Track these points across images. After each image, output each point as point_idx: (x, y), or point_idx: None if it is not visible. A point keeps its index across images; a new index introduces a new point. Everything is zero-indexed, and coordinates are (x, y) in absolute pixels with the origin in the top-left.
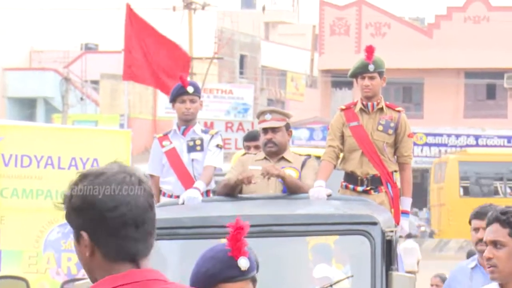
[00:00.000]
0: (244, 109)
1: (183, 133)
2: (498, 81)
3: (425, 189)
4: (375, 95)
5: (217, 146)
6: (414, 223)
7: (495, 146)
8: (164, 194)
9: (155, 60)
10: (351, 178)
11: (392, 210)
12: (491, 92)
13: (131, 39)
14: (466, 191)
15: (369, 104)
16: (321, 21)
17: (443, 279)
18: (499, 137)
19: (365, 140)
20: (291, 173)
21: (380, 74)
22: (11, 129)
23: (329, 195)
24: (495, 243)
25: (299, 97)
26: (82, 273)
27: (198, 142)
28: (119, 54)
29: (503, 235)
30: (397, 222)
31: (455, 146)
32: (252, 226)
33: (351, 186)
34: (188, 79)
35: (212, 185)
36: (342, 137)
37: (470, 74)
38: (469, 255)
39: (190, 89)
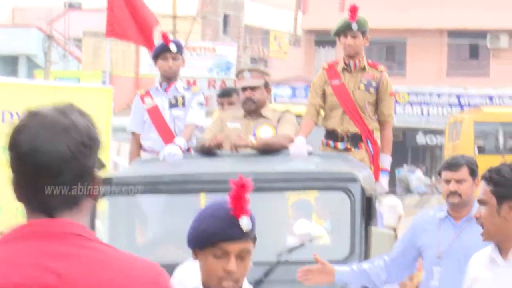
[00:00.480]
0: (227, 67)
1: (165, 90)
2: (481, 41)
3: (408, 147)
4: (358, 54)
5: (199, 103)
6: (423, 180)
7: (478, 105)
8: (144, 150)
9: (138, 16)
10: (332, 135)
11: (372, 167)
12: (473, 52)
13: (112, 3)
14: (481, 150)
15: (352, 63)
16: None
17: None
18: (481, 96)
19: (346, 99)
20: (267, 130)
21: (363, 33)
22: None
23: (309, 152)
24: (480, 202)
25: (282, 56)
26: None
27: (180, 99)
28: (102, 12)
29: (486, 193)
30: (377, 179)
31: (441, 105)
32: (225, 182)
33: (331, 143)
34: (171, 37)
35: (194, 142)
36: (324, 95)
37: (453, 34)
38: None
39: (172, 47)
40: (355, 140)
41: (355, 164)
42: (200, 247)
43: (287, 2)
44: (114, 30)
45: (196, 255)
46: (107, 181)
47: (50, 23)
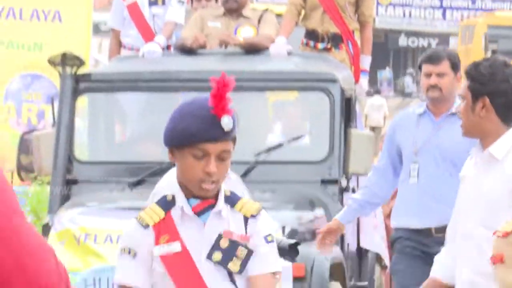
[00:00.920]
0: None
1: None
2: None
3: (390, 49)
4: None
5: (179, 1)
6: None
7: (460, 8)
8: (124, 47)
9: None
10: (312, 35)
11: (352, 68)
12: None
13: None
14: (494, 53)
15: None
16: None
17: None
18: None
19: None
20: (248, 30)
21: None
22: None
23: (289, 52)
24: (460, 96)
25: None
26: (43, 124)
27: None
28: None
29: (464, 88)
30: (357, 80)
31: (423, 7)
32: (205, 80)
33: (311, 43)
34: None
35: (173, 40)
36: None
37: None
38: None
39: None
40: (336, 40)
41: (335, 65)
42: (178, 146)
43: None
44: None
45: (172, 154)
46: (86, 77)
47: None
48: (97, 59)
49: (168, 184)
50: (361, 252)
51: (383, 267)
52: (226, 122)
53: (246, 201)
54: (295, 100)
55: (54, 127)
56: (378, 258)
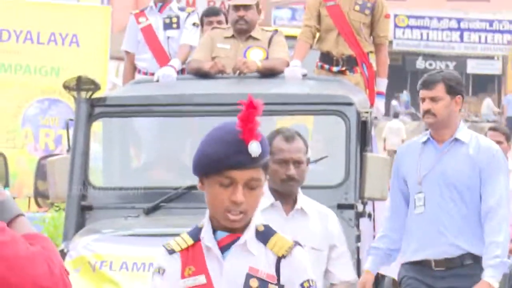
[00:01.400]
0: None
1: (160, 10)
2: None
3: (407, 71)
4: None
5: (194, 24)
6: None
7: (478, 30)
8: (139, 71)
9: None
10: (326, 58)
11: (367, 91)
12: None
13: None
14: None
15: None
16: None
17: None
18: (481, 20)
19: (341, 20)
20: (258, 53)
21: None
22: None
23: (304, 75)
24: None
25: None
26: (60, 149)
27: (174, 19)
28: None
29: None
30: (372, 103)
31: (440, 29)
32: (226, 104)
33: (326, 66)
34: None
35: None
36: (319, 16)
37: None
38: None
39: None
40: (350, 63)
41: (350, 88)
42: (206, 174)
43: None
44: None
45: (202, 183)
46: (101, 102)
47: None
48: (115, 82)
49: None
50: (377, 278)
51: None
52: (253, 147)
53: (279, 237)
54: (310, 123)
55: (69, 153)
56: (394, 282)
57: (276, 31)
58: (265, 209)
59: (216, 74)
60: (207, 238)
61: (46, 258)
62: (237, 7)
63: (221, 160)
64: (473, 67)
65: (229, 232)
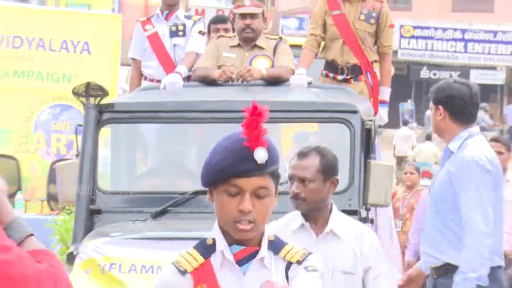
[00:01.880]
0: None
1: (166, 18)
2: None
3: (412, 81)
4: None
5: (200, 32)
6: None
7: (482, 41)
8: (145, 78)
9: None
10: (331, 66)
11: (371, 99)
12: None
13: None
14: None
15: None
16: None
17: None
18: (485, 31)
19: (346, 29)
20: (263, 62)
21: None
22: (3, 10)
23: (309, 83)
24: None
25: None
26: (71, 154)
27: (180, 27)
28: None
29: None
30: (376, 112)
31: (444, 39)
32: (232, 111)
33: (331, 74)
34: None
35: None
36: (324, 25)
37: None
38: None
39: None
40: (355, 71)
41: (354, 96)
42: (214, 184)
43: None
44: None
45: (211, 194)
46: (109, 108)
47: None
48: (125, 89)
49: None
50: None
51: None
52: (259, 154)
53: (292, 247)
54: (315, 130)
55: (77, 157)
56: None
57: (280, 39)
58: (295, 231)
59: (225, 82)
60: (226, 251)
61: (53, 276)
62: (243, 16)
63: (227, 169)
64: (476, 77)
65: (243, 245)
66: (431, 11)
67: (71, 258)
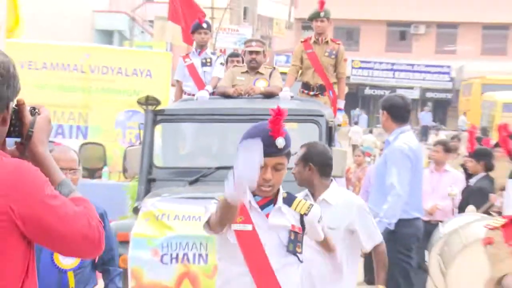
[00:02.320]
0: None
1: (199, 54)
2: (408, 28)
3: (359, 96)
4: (324, 33)
5: (221, 63)
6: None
7: (404, 70)
8: (185, 93)
9: (186, 8)
10: (306, 86)
11: (332, 108)
12: (402, 36)
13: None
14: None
15: (320, 38)
16: None
17: (362, 152)
18: (406, 64)
19: (316, 62)
20: (262, 82)
21: (328, 19)
22: (96, 50)
23: (292, 97)
24: None
25: (281, 35)
26: (138, 142)
27: (208, 60)
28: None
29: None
30: (335, 115)
31: (381, 69)
32: (242, 115)
33: (306, 91)
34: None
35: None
36: (301, 59)
37: (389, 23)
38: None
39: (204, 25)
40: (321, 89)
41: (321, 105)
42: None
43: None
44: (173, 16)
45: None
46: (161, 113)
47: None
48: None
49: None
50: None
51: None
52: (279, 142)
53: (299, 201)
54: (296, 128)
55: (140, 145)
56: None
57: (274, 68)
58: (304, 198)
59: (237, 96)
60: (252, 201)
61: (86, 214)
62: (251, 52)
63: None
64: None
65: (262, 197)
66: (371, 51)
67: (136, 210)
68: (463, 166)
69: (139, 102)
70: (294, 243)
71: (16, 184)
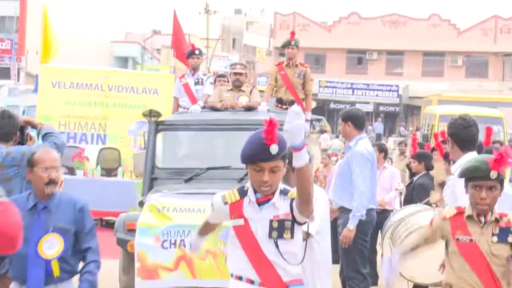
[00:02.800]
0: None
1: (192, 75)
2: (364, 55)
3: (325, 109)
4: (294, 58)
5: (210, 83)
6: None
7: (361, 89)
8: (181, 107)
9: (180, 45)
10: (280, 101)
11: None
12: (360, 61)
13: (175, 32)
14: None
15: (290, 62)
16: (275, 24)
17: (328, 155)
18: (363, 84)
19: (288, 81)
20: (244, 98)
21: (297, 47)
22: (113, 72)
23: (268, 110)
24: None
25: (262, 60)
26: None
27: (200, 80)
28: (170, 35)
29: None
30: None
31: (342, 88)
32: (228, 125)
33: (279, 105)
34: (197, 46)
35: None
36: (276, 79)
37: (349, 51)
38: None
39: (197, 51)
40: (292, 103)
41: None
42: (247, 163)
43: (266, 32)
44: (175, 52)
45: (246, 168)
46: (162, 123)
47: (144, 40)
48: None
49: None
50: None
51: None
52: (273, 148)
53: (294, 190)
54: None
55: (145, 150)
56: None
57: (253, 86)
58: None
59: (224, 109)
60: (252, 197)
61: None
62: (235, 73)
63: (253, 156)
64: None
65: (264, 195)
66: (335, 73)
67: (141, 204)
68: (408, 166)
69: (144, 114)
70: (278, 231)
71: None
